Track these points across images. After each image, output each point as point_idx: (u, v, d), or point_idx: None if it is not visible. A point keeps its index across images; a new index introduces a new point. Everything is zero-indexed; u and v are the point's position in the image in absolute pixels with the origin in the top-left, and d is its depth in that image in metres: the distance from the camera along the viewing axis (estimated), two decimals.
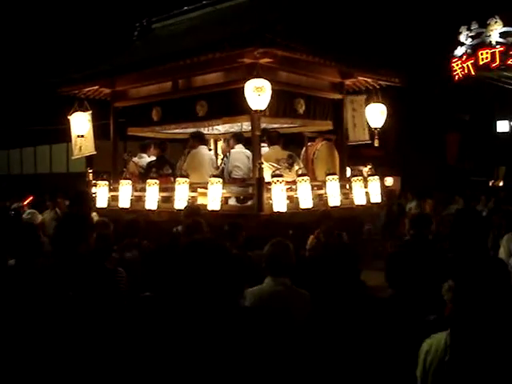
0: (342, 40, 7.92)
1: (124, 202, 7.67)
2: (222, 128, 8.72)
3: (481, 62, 16.46)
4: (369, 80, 8.29)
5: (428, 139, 19.72)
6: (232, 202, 6.94)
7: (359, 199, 7.45)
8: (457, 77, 17.14)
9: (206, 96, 7.37)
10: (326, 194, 7.12)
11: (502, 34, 16.14)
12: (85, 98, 8.72)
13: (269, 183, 6.50)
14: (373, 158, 12.13)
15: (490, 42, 16.30)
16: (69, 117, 8.63)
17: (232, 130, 8.59)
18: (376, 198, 7.69)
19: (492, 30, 16.25)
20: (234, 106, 6.88)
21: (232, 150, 7.46)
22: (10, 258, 3.70)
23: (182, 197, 6.89)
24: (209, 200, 6.65)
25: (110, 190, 8.12)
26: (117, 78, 8.44)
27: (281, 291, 3.42)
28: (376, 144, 8.30)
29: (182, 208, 6.43)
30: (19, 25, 21.41)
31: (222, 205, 6.67)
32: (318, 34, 7.52)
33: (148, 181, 7.40)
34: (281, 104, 7.11)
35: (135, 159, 8.72)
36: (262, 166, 6.66)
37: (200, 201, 7.00)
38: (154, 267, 3.31)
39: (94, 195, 8.01)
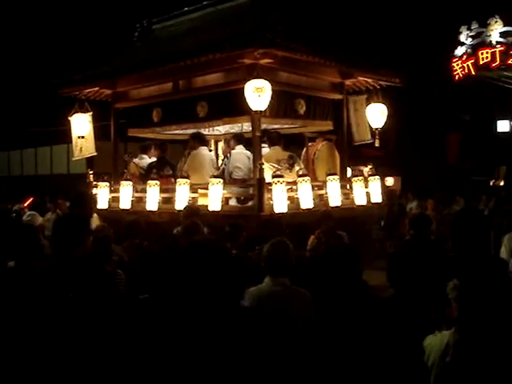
0: (342, 40, 7.92)
1: (125, 203, 7.67)
2: (222, 129, 8.72)
3: (481, 62, 16.47)
4: (369, 80, 8.29)
5: (428, 139, 19.71)
6: (233, 202, 6.94)
7: (360, 199, 7.45)
8: (457, 77, 17.15)
9: (206, 97, 7.37)
10: (326, 194, 7.12)
11: (502, 34, 16.15)
12: (85, 99, 8.71)
13: (269, 184, 6.50)
14: (373, 158, 12.11)
15: (491, 41, 16.30)
16: (69, 118, 8.62)
17: (232, 130, 8.59)
18: (376, 198, 7.69)
19: (492, 30, 16.26)
20: (235, 106, 6.88)
21: (232, 151, 7.47)
22: (10, 259, 3.71)
23: (182, 198, 6.89)
24: (209, 201, 6.65)
25: (111, 191, 8.12)
26: (117, 79, 8.44)
27: (279, 291, 3.38)
28: (376, 144, 8.30)
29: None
30: (20, 26, 21.43)
31: (222, 205, 6.67)
32: (318, 34, 7.52)
33: (149, 182, 7.41)
34: (281, 104, 7.11)
35: (136, 160, 8.72)
36: (263, 166, 6.66)
37: (201, 201, 7.00)
38: (153, 269, 3.31)
39: (95, 196, 8.00)
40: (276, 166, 7.16)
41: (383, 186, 8.53)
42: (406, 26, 17.78)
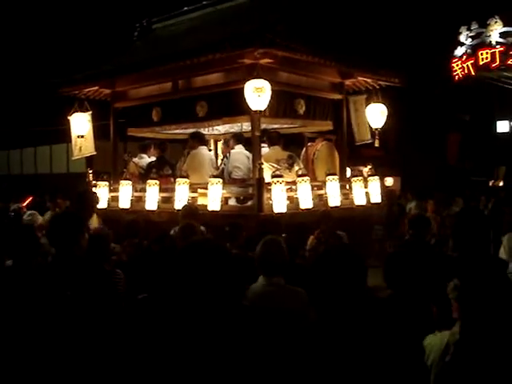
0: (342, 40, 7.93)
1: (124, 202, 7.67)
2: (221, 128, 8.72)
3: (481, 62, 16.48)
4: (369, 80, 8.29)
5: (428, 139, 19.71)
6: (232, 202, 6.94)
7: (359, 199, 7.45)
8: (457, 77, 17.16)
9: (206, 96, 7.37)
10: (326, 194, 7.12)
11: (501, 34, 16.16)
12: (85, 99, 8.71)
13: (269, 183, 6.50)
14: (373, 158, 12.11)
15: (490, 42, 16.31)
16: (69, 117, 8.62)
17: (232, 130, 8.59)
18: (376, 198, 7.70)
19: (492, 30, 16.27)
20: (234, 106, 6.88)
21: (232, 151, 7.46)
22: (8, 258, 3.71)
23: (182, 197, 6.89)
24: (209, 200, 6.65)
25: (110, 191, 8.12)
26: (117, 79, 8.43)
27: (273, 291, 3.31)
28: (376, 144, 8.30)
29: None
30: (20, 25, 21.42)
31: (222, 205, 6.67)
32: (318, 34, 7.52)
33: (148, 181, 7.41)
34: (281, 104, 7.11)
35: (135, 160, 8.72)
36: (262, 166, 6.66)
37: (200, 201, 7.00)
38: (153, 268, 3.30)
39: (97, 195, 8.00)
40: (275, 165, 7.16)
41: (383, 186, 8.54)
42: (405, 26, 17.78)
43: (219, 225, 5.69)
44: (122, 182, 7.80)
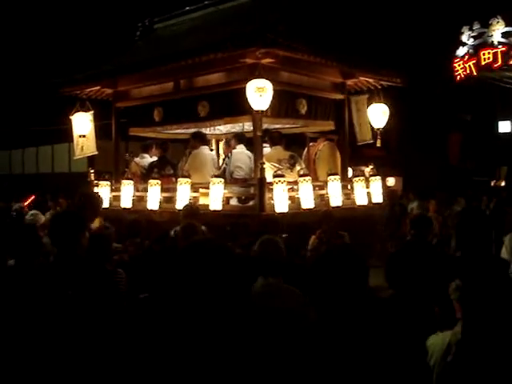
0: (343, 40, 7.93)
1: (126, 202, 7.68)
2: (223, 128, 8.72)
3: (483, 62, 16.45)
4: (370, 80, 8.29)
5: (430, 139, 19.69)
6: (234, 202, 6.95)
7: (361, 199, 7.45)
8: (459, 77, 17.12)
9: (207, 96, 7.37)
10: (327, 194, 7.12)
11: (504, 34, 16.12)
12: (87, 99, 8.72)
13: (270, 183, 6.50)
14: (374, 158, 12.12)
15: (492, 42, 16.27)
16: (71, 117, 8.63)
17: (233, 130, 8.59)
18: (378, 198, 7.70)
19: (494, 30, 16.23)
20: (236, 106, 6.88)
21: (234, 151, 7.47)
22: (10, 258, 3.71)
23: (183, 197, 6.89)
24: (210, 200, 6.65)
25: (112, 190, 8.13)
26: (119, 79, 8.44)
27: (270, 291, 3.27)
28: (378, 144, 8.30)
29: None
30: (22, 25, 21.44)
31: (223, 205, 6.67)
32: (319, 34, 7.52)
33: (150, 181, 7.41)
34: (282, 104, 7.11)
35: (137, 159, 8.73)
36: (264, 166, 6.66)
37: (202, 201, 7.00)
38: (154, 268, 3.31)
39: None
40: (277, 165, 7.16)
41: (384, 186, 8.53)
42: (407, 26, 17.76)
43: (221, 225, 5.69)
44: (124, 181, 7.81)
